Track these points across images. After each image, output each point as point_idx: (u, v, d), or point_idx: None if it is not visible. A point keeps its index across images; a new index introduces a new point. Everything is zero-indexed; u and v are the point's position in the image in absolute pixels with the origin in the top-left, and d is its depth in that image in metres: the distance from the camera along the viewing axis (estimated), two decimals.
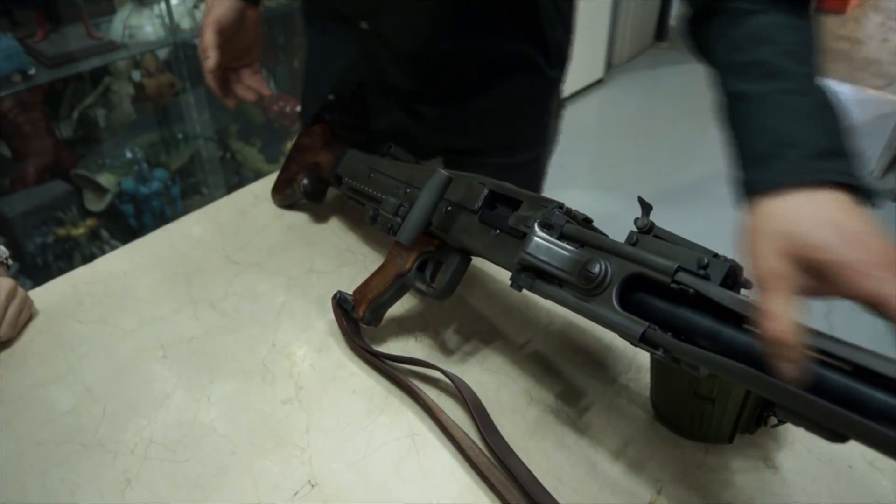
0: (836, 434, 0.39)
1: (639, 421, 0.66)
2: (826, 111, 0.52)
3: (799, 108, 0.52)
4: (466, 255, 0.69)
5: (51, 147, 1.90)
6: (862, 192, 0.48)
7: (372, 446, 0.64)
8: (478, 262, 0.77)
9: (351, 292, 0.76)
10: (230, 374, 0.72)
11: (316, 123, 0.94)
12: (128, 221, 2.08)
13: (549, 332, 0.77)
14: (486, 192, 0.65)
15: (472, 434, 0.64)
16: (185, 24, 1.99)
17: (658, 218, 0.53)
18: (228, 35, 0.92)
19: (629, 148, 3.15)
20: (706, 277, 0.46)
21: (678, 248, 0.49)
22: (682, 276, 0.47)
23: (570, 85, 3.56)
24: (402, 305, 0.80)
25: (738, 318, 0.45)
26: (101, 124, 2.06)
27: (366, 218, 0.77)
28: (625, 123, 3.39)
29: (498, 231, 0.62)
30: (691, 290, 0.46)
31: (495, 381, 0.71)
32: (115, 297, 0.83)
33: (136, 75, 2.08)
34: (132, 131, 2.05)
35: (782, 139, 0.51)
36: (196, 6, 2.00)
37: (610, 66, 3.77)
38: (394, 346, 0.76)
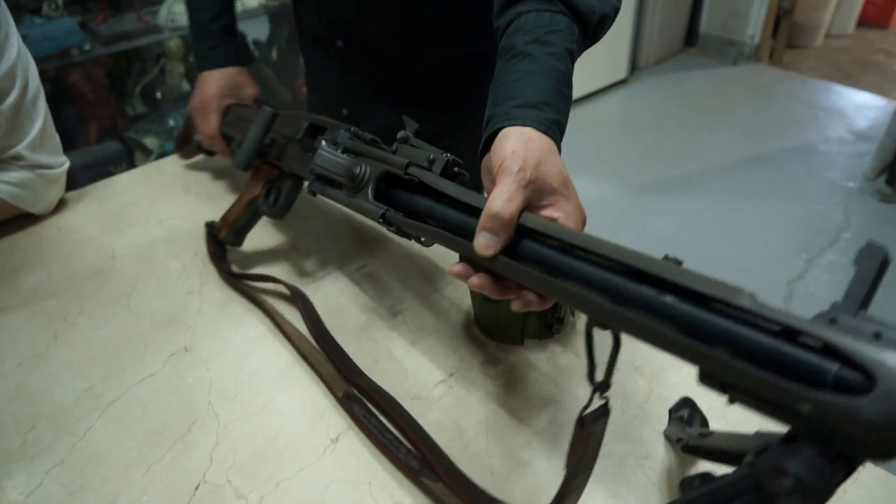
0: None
1: (457, 325, 0.74)
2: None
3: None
4: (298, 179, 0.78)
5: (109, 113, 2.11)
6: None
7: (239, 330, 0.75)
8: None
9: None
10: (157, 272, 0.85)
11: None
12: None
13: (396, 258, 0.85)
14: (306, 124, 0.73)
15: (305, 331, 0.73)
16: None
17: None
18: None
19: (636, 142, 3.15)
20: (430, 170, 0.54)
21: (422, 151, 0.56)
22: (412, 170, 0.54)
23: (591, 83, 3.55)
24: (280, 236, 0.91)
25: (450, 200, 0.52)
26: (157, 97, 2.25)
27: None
28: (639, 120, 3.38)
29: (310, 154, 0.70)
30: (416, 179, 0.54)
31: (338, 290, 0.80)
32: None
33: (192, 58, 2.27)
34: (180, 104, 2.23)
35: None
36: None
37: (635, 67, 3.77)
38: (264, 269, 0.84)
